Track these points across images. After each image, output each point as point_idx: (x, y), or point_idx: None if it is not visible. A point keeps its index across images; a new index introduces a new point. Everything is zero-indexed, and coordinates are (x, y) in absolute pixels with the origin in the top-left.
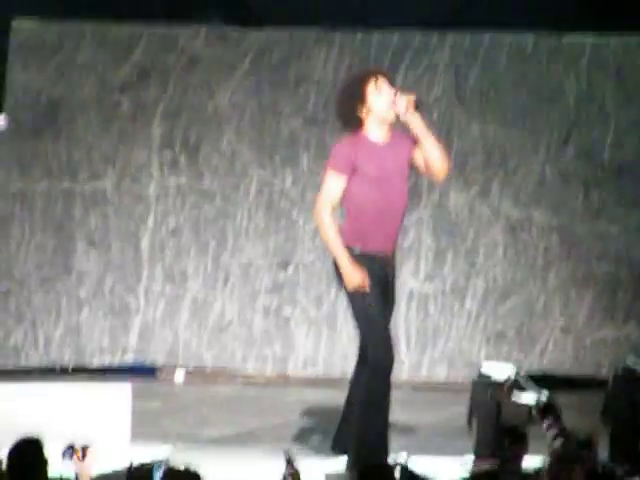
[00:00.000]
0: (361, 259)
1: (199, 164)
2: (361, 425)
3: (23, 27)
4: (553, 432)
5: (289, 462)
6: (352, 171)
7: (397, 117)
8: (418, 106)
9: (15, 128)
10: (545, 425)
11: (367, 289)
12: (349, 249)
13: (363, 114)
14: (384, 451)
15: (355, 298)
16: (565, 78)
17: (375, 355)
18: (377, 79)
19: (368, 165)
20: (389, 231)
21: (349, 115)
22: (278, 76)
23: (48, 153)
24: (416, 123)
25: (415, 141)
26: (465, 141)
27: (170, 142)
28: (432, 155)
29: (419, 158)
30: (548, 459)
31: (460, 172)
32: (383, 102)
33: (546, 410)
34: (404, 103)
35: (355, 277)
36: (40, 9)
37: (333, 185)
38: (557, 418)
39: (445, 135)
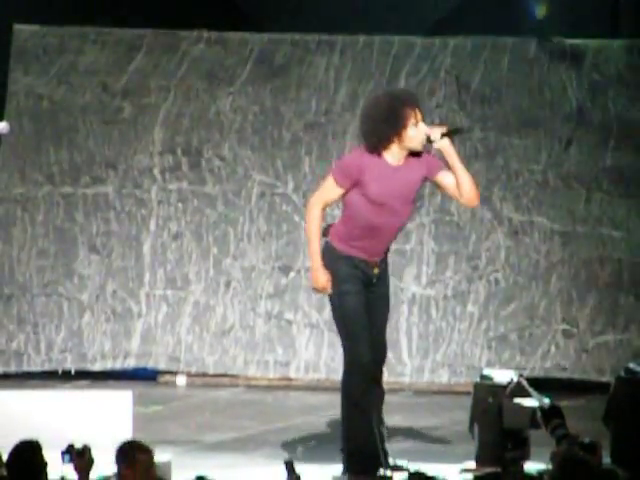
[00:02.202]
0: (343, 259)
1: (201, 169)
2: (347, 428)
3: (25, 32)
4: (558, 435)
5: (289, 469)
6: (354, 185)
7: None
8: (453, 133)
9: (17, 133)
10: (550, 428)
11: (328, 292)
12: (334, 247)
13: (394, 141)
14: (374, 451)
15: (333, 298)
16: (567, 82)
17: (350, 354)
18: (417, 112)
19: (373, 186)
20: (377, 246)
21: (382, 140)
22: (280, 81)
23: (50, 158)
24: (449, 151)
25: (439, 166)
26: (467, 146)
27: (172, 147)
28: (464, 182)
29: (447, 182)
30: (552, 462)
31: None
32: (418, 136)
33: (551, 413)
34: (438, 134)
35: (319, 280)
36: (41, 14)
37: (330, 190)
38: (562, 421)
39: None
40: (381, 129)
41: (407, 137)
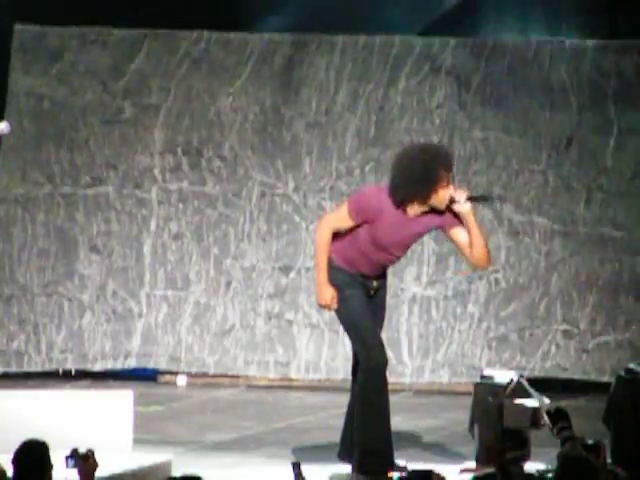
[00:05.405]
0: (340, 269)
1: (201, 169)
2: (362, 428)
3: (25, 32)
4: (563, 437)
5: (296, 472)
6: (365, 222)
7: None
8: (478, 200)
9: (17, 133)
10: (556, 430)
11: (333, 308)
12: (331, 258)
13: (420, 200)
14: (389, 452)
15: (338, 306)
16: (567, 83)
17: (365, 357)
18: (449, 174)
19: (383, 231)
20: (368, 271)
21: (409, 198)
22: (280, 81)
23: (50, 158)
24: (469, 217)
25: (455, 222)
26: (467, 146)
27: (172, 147)
28: (478, 246)
29: (461, 240)
30: (556, 463)
31: (462, 177)
32: (444, 197)
33: (558, 415)
34: (463, 198)
35: (324, 295)
36: (42, 14)
37: (342, 221)
38: (568, 424)
39: (447, 140)
40: (411, 189)
41: (434, 198)
